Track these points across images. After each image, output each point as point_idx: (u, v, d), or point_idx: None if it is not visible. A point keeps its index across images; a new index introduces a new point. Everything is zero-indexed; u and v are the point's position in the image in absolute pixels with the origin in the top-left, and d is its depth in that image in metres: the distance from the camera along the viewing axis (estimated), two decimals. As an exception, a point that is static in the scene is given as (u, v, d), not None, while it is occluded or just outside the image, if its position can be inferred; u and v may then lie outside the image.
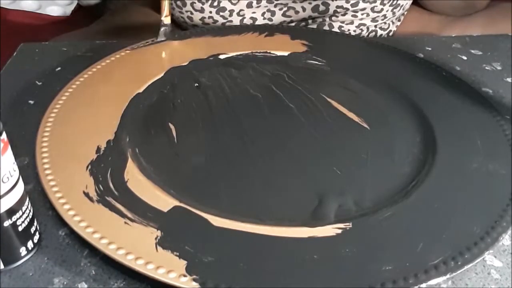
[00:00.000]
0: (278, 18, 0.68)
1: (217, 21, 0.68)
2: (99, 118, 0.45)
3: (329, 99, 0.50)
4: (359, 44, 0.61)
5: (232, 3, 0.66)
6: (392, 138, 0.45)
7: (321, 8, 0.66)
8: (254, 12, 0.67)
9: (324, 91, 0.51)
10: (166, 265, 0.32)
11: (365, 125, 0.46)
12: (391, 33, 0.73)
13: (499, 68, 0.57)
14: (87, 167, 0.39)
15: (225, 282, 0.31)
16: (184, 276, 0.31)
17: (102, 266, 0.34)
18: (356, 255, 0.34)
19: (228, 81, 0.52)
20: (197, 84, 0.51)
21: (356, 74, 0.53)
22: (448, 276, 0.32)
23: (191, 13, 0.69)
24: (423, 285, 0.32)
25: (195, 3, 0.67)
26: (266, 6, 0.67)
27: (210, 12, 0.67)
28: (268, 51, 0.57)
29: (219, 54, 0.56)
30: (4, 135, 0.30)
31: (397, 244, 0.35)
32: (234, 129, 0.46)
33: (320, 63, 0.56)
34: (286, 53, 0.56)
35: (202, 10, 0.67)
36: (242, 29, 0.62)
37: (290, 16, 0.68)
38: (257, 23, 0.68)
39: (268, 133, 0.45)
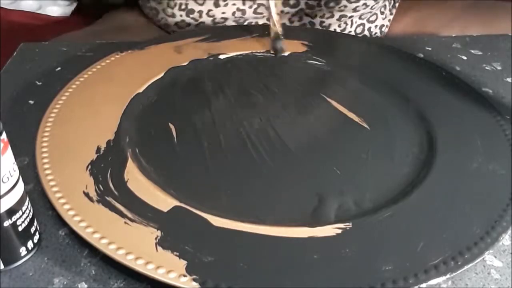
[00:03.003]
0: (250, 16, 0.67)
1: (189, 24, 0.67)
2: (99, 118, 0.45)
3: (329, 99, 0.50)
4: (359, 44, 0.61)
5: (198, 4, 0.65)
6: (392, 138, 0.45)
7: (292, 1, 0.65)
8: (224, 12, 0.66)
9: (324, 91, 0.51)
10: (166, 265, 0.32)
11: (365, 125, 0.46)
12: (383, 29, 0.73)
13: (499, 68, 0.57)
14: (87, 167, 0.39)
15: (225, 282, 0.31)
16: (184, 276, 0.31)
17: (102, 266, 0.34)
18: (356, 255, 0.34)
19: (228, 81, 0.52)
20: (197, 84, 0.51)
21: (356, 74, 0.53)
22: (448, 276, 0.32)
23: (166, 20, 0.68)
24: (423, 285, 0.32)
25: (165, 9, 0.67)
26: (235, 4, 0.66)
27: (181, 15, 0.66)
28: (268, 51, 0.57)
29: (219, 54, 0.56)
30: (4, 135, 0.30)
31: (397, 244, 0.35)
32: (234, 129, 0.46)
33: (320, 63, 0.56)
34: (286, 53, 0.56)
35: (173, 15, 0.67)
36: (242, 29, 0.62)
37: (261, 13, 0.66)
38: (227, 23, 0.67)
39: (268, 133, 0.45)
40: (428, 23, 0.74)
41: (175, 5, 0.66)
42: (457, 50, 0.60)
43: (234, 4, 0.65)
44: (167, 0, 0.66)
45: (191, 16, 0.66)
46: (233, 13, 0.66)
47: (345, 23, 0.71)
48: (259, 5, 0.65)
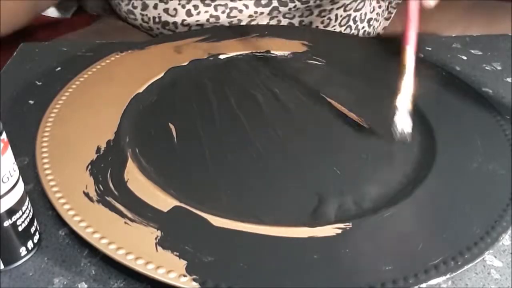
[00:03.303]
0: (224, 21, 0.66)
1: None
2: (99, 118, 0.45)
3: (329, 99, 0.50)
4: (359, 44, 0.61)
5: (171, 16, 0.65)
6: (392, 138, 0.45)
7: (264, 1, 0.64)
8: (198, 21, 0.65)
9: (324, 91, 0.51)
10: (166, 265, 0.32)
11: (365, 125, 0.46)
12: (371, 22, 0.72)
13: (499, 68, 0.57)
14: (87, 167, 0.39)
15: (225, 282, 0.31)
16: (184, 276, 0.31)
17: (102, 266, 0.34)
18: (356, 255, 0.34)
19: (228, 81, 0.52)
20: (197, 84, 0.52)
21: (356, 74, 0.53)
22: (448, 276, 0.32)
23: (148, 34, 0.68)
24: (423, 285, 0.32)
25: (142, 24, 0.67)
26: (207, 12, 0.64)
27: (158, 28, 0.66)
28: (268, 51, 0.57)
29: (219, 54, 0.56)
30: (4, 135, 0.30)
31: (397, 244, 0.35)
32: (234, 129, 0.46)
33: (320, 63, 0.56)
34: (286, 53, 0.56)
35: (150, 29, 0.67)
36: (242, 29, 0.62)
37: (235, 17, 0.65)
38: None
39: (268, 133, 0.45)
40: (429, 23, 0.74)
41: (149, 19, 0.66)
42: (457, 50, 0.60)
43: (206, 12, 0.64)
44: (140, 15, 0.66)
45: (167, 28, 0.66)
46: (207, 20, 0.65)
47: (329, 18, 0.68)
48: (232, 9, 0.64)
